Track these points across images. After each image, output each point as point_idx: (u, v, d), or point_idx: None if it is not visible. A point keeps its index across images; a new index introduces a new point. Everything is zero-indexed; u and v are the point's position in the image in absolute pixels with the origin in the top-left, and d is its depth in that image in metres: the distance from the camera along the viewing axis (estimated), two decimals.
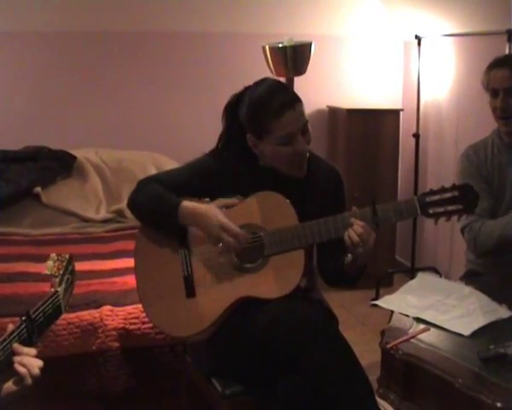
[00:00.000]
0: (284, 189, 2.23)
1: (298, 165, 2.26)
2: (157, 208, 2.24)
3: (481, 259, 2.75)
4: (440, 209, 2.07)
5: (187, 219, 2.20)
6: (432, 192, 2.09)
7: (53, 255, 1.76)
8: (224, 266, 2.21)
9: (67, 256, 1.79)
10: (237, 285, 2.18)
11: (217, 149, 2.38)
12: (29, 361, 1.41)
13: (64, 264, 1.74)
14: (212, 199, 2.33)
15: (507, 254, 2.63)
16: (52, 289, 1.65)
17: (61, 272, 1.71)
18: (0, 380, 1.40)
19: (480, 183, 2.67)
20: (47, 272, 1.70)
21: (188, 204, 2.21)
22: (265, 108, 2.20)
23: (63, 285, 1.68)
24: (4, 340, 1.39)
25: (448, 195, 2.08)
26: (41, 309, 1.54)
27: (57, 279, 1.68)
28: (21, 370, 1.40)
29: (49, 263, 1.72)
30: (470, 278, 2.72)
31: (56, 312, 1.62)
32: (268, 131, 2.20)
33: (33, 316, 1.49)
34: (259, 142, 2.25)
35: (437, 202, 2.08)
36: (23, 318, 1.47)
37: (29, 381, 1.40)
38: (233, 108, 2.35)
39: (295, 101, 2.21)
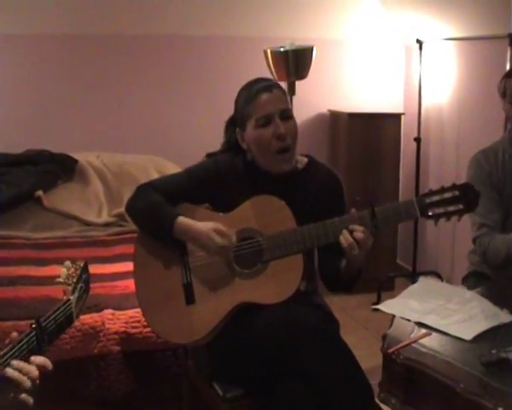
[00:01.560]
0: (283, 193, 2.23)
1: (280, 151, 2.25)
2: (153, 220, 2.26)
3: (493, 269, 2.72)
4: (440, 210, 2.06)
5: (182, 235, 2.22)
6: (431, 193, 2.08)
7: (67, 263, 1.73)
8: (223, 271, 2.21)
9: (82, 264, 1.76)
10: (237, 291, 2.18)
11: (215, 154, 2.40)
12: (28, 368, 1.37)
13: (78, 272, 1.72)
14: (212, 205, 2.34)
15: None
16: (64, 297, 1.62)
17: (75, 280, 1.68)
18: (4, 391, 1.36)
19: (492, 191, 2.62)
20: (60, 279, 1.67)
21: (183, 221, 2.22)
22: (245, 96, 2.29)
23: (76, 294, 1.66)
24: (12, 348, 1.36)
25: (448, 195, 2.06)
26: (52, 317, 1.51)
27: (70, 287, 1.65)
28: (22, 398, 1.36)
29: (64, 270, 1.69)
30: (473, 278, 2.71)
31: (68, 320, 1.59)
32: (248, 115, 2.26)
33: (44, 324, 1.47)
34: (244, 132, 2.30)
35: (437, 202, 2.06)
36: (33, 326, 1.43)
37: (30, 402, 1.37)
38: (232, 122, 2.43)
39: (273, 86, 2.27)
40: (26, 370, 1.37)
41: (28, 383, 1.35)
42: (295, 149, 2.28)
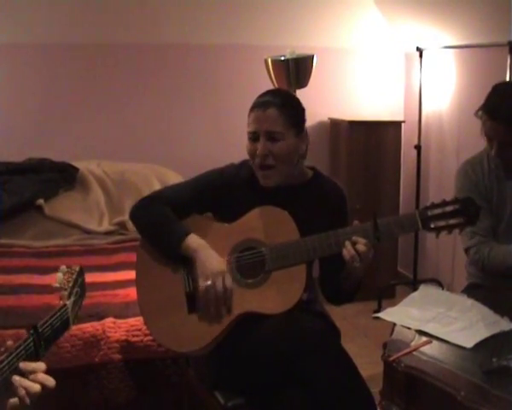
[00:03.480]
0: (287, 205, 2.24)
1: (258, 168, 2.27)
2: (160, 235, 2.26)
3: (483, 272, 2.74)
4: (442, 223, 2.08)
5: (188, 254, 2.22)
6: (433, 206, 2.09)
7: (63, 267, 1.73)
8: None
9: (77, 269, 1.76)
10: (239, 301, 2.17)
11: (233, 164, 2.42)
12: (28, 383, 1.36)
13: (74, 276, 1.72)
14: (215, 214, 2.34)
15: None
16: (61, 302, 1.62)
17: (71, 284, 1.68)
18: (2, 398, 1.36)
19: (479, 200, 2.65)
20: (56, 284, 1.67)
21: (192, 242, 2.22)
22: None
23: (72, 298, 1.65)
24: (10, 354, 1.37)
25: (450, 208, 2.08)
26: (49, 322, 1.51)
27: (66, 292, 1.65)
28: (20, 393, 1.36)
29: (59, 275, 1.69)
30: (472, 290, 2.71)
31: (64, 325, 1.59)
32: (247, 127, 2.29)
33: (41, 330, 1.47)
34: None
35: (438, 215, 2.08)
36: (30, 331, 1.44)
37: (27, 401, 1.36)
38: None
39: (269, 104, 2.24)
40: (33, 367, 1.39)
41: (37, 388, 1.37)
42: (283, 168, 2.27)
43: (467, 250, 2.72)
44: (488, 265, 2.64)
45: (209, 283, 2.14)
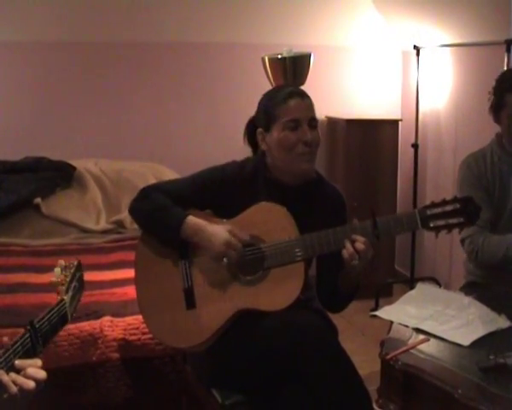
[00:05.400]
0: (287, 202, 2.23)
1: (302, 155, 2.24)
2: (160, 220, 2.25)
3: (481, 269, 2.75)
4: (441, 222, 2.07)
5: (190, 234, 2.21)
6: (433, 205, 2.08)
7: (61, 262, 1.73)
8: (224, 277, 2.21)
9: (75, 263, 1.76)
10: (238, 297, 2.18)
11: (235, 161, 2.41)
12: (22, 380, 1.35)
13: (72, 271, 1.72)
14: (215, 211, 2.34)
15: (509, 267, 2.62)
16: (58, 297, 1.62)
17: (69, 279, 1.68)
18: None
19: (481, 192, 2.66)
20: (54, 279, 1.67)
21: (192, 220, 2.21)
22: (275, 96, 2.28)
23: (70, 293, 1.65)
24: (7, 350, 1.36)
25: (449, 207, 2.07)
26: (46, 318, 1.51)
27: (64, 287, 1.65)
28: (12, 390, 1.34)
29: (57, 270, 1.69)
30: (470, 288, 2.72)
31: (62, 320, 1.59)
32: (276, 117, 2.24)
33: (37, 325, 1.46)
34: (267, 134, 2.28)
35: (438, 214, 2.07)
36: (27, 327, 1.44)
37: (31, 385, 1.36)
38: (252, 125, 2.40)
39: (305, 94, 2.28)
40: (29, 364, 1.38)
41: (31, 385, 1.36)
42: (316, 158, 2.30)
43: (462, 241, 2.72)
44: (481, 256, 2.64)
45: (225, 260, 2.17)
